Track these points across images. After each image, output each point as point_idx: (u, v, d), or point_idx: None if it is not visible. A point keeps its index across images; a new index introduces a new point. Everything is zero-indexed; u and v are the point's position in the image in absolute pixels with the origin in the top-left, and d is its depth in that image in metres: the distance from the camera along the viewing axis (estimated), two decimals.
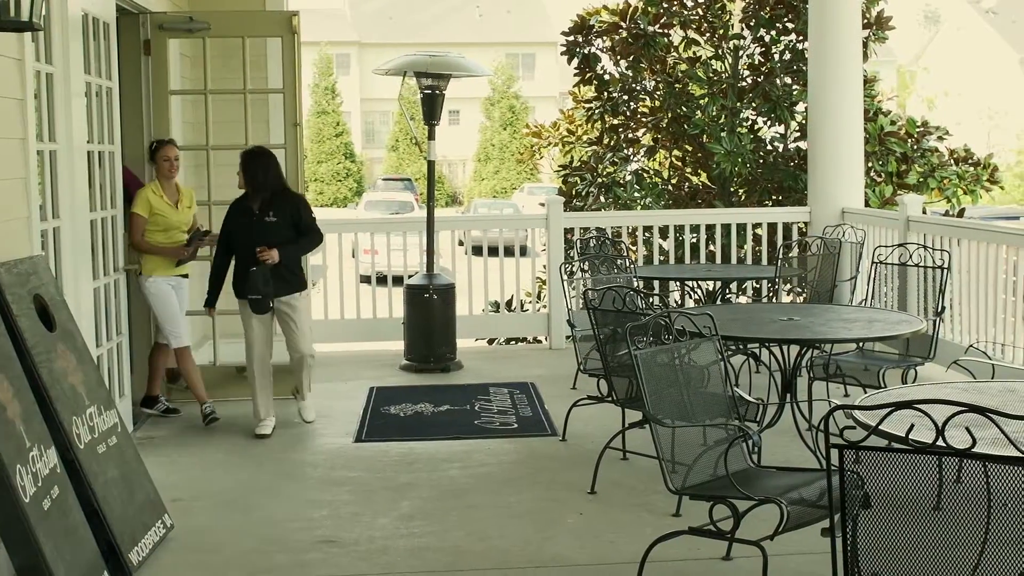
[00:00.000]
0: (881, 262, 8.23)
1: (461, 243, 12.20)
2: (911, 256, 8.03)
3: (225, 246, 7.71)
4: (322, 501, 6.29)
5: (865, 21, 12.16)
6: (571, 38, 13.52)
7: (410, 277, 9.91)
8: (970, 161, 12.98)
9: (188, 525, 5.90)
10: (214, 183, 8.57)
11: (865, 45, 12.16)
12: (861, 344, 7.47)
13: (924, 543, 3.38)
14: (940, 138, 12.94)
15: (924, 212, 9.90)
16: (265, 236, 7.54)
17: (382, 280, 10.61)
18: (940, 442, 3.16)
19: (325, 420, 8.03)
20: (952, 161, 12.93)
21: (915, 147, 12.70)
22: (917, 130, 12.87)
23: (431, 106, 9.75)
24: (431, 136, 9.92)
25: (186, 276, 8.09)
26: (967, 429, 3.15)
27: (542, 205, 11.07)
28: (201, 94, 8.69)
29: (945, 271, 7.66)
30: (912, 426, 3.21)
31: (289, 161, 8.43)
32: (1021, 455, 3.13)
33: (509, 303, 11.62)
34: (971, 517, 3.30)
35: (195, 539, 5.76)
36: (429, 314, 9.65)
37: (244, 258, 7.57)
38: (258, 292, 7.46)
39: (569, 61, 13.65)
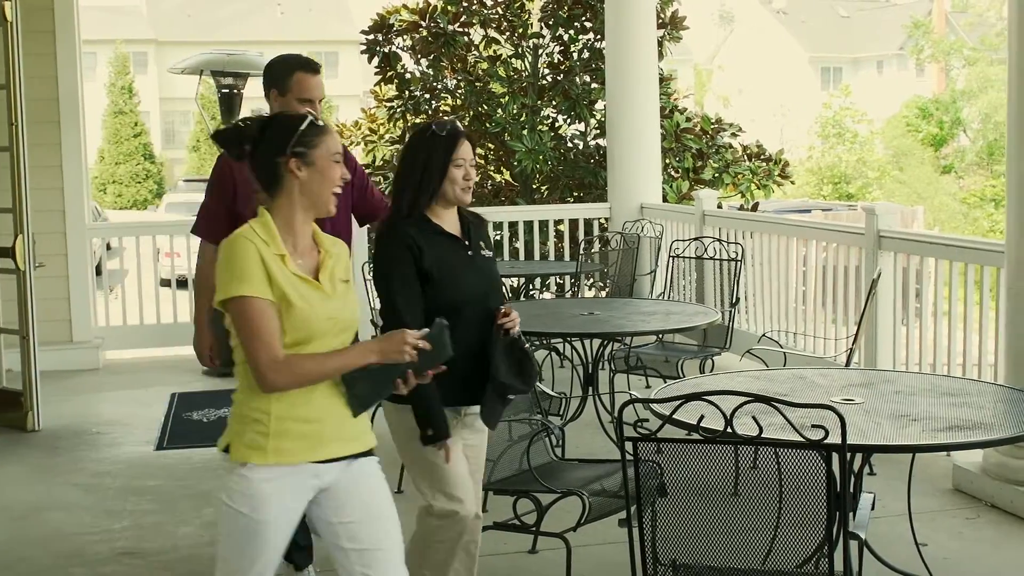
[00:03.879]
0: (678, 256, 8.43)
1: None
2: (707, 249, 8.25)
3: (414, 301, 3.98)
4: (122, 511, 6.13)
5: (660, 21, 12.43)
6: (371, 37, 13.46)
7: None
8: (762, 157, 13.38)
9: None
10: None
11: (660, 44, 12.43)
12: (660, 336, 7.65)
13: (720, 529, 3.47)
14: (734, 135, 13.32)
15: (719, 206, 10.17)
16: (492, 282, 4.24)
17: (184, 283, 10.39)
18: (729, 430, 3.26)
19: (124, 428, 7.82)
20: (745, 157, 13.31)
21: (710, 143, 13.04)
22: (711, 127, 13.22)
23: (229, 105, 9.61)
24: None
25: None
26: (753, 418, 3.25)
27: None
28: None
29: (739, 263, 7.90)
30: (703, 416, 3.30)
31: (12, 167, 7.65)
32: (803, 440, 3.25)
33: None
34: (765, 502, 3.40)
35: None
36: None
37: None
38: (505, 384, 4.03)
39: (370, 60, 13.59)
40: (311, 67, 4.66)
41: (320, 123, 3.32)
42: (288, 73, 4.65)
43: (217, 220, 4.62)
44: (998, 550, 5.37)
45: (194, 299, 4.72)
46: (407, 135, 13.50)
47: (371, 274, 8.13)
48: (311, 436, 3.26)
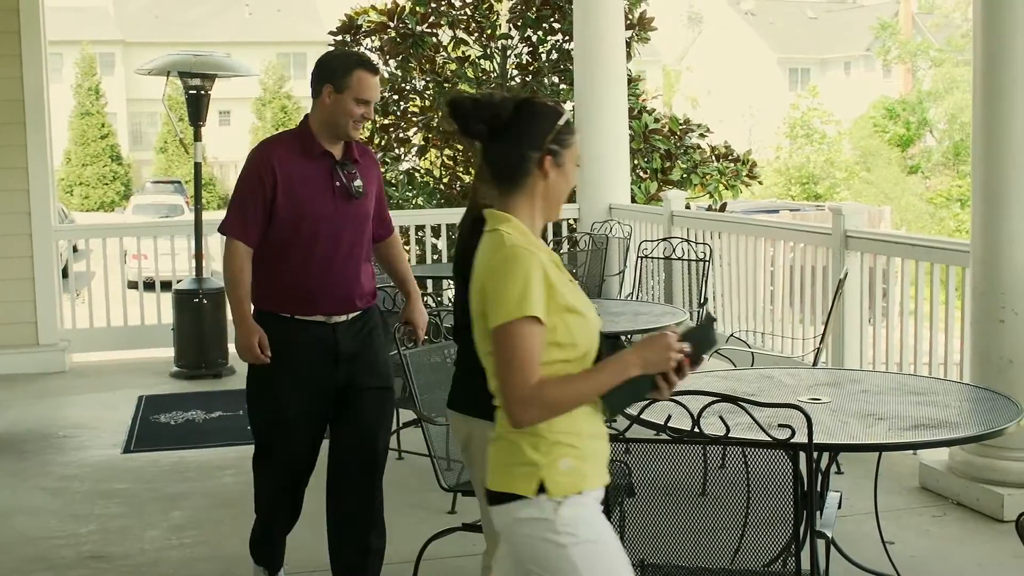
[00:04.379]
0: (646, 256, 8.45)
1: None
2: (675, 250, 8.27)
3: None
4: (89, 515, 6.08)
5: (628, 22, 12.44)
6: (339, 38, 13.45)
7: (179, 282, 9.69)
8: (730, 157, 13.43)
9: None
10: None
11: (629, 45, 12.45)
12: (629, 336, 7.65)
13: (689, 528, 3.48)
14: (702, 135, 13.36)
15: (687, 207, 10.20)
16: None
17: (151, 285, 10.34)
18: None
19: (91, 432, 7.77)
20: (714, 157, 13.36)
21: (678, 144, 13.08)
22: (680, 128, 13.26)
23: (196, 107, 9.54)
24: (197, 138, 9.71)
25: None
26: (721, 418, 3.26)
27: None
28: None
29: (707, 264, 7.92)
30: (670, 416, 3.30)
31: None
32: (770, 439, 3.26)
33: None
34: (733, 501, 3.41)
35: None
36: (200, 319, 9.44)
37: None
38: None
39: None
40: (373, 67, 4.48)
41: (570, 120, 2.92)
42: (348, 70, 4.41)
43: (254, 221, 4.38)
44: (964, 547, 5.40)
45: (231, 296, 4.41)
46: (374, 136, 13.51)
47: None
48: (602, 454, 2.91)
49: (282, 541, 4.82)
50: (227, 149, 51.19)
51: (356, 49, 13.32)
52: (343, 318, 4.49)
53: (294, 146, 4.46)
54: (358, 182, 4.46)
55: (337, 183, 4.42)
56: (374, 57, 13.49)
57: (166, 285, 10.16)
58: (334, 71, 4.43)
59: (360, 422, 4.56)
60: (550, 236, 10.78)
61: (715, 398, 3.28)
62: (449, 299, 10.93)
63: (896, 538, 5.21)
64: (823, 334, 6.69)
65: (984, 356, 5.74)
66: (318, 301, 4.44)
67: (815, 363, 6.55)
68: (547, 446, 2.79)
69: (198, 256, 9.69)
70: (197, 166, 9.86)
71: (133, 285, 10.53)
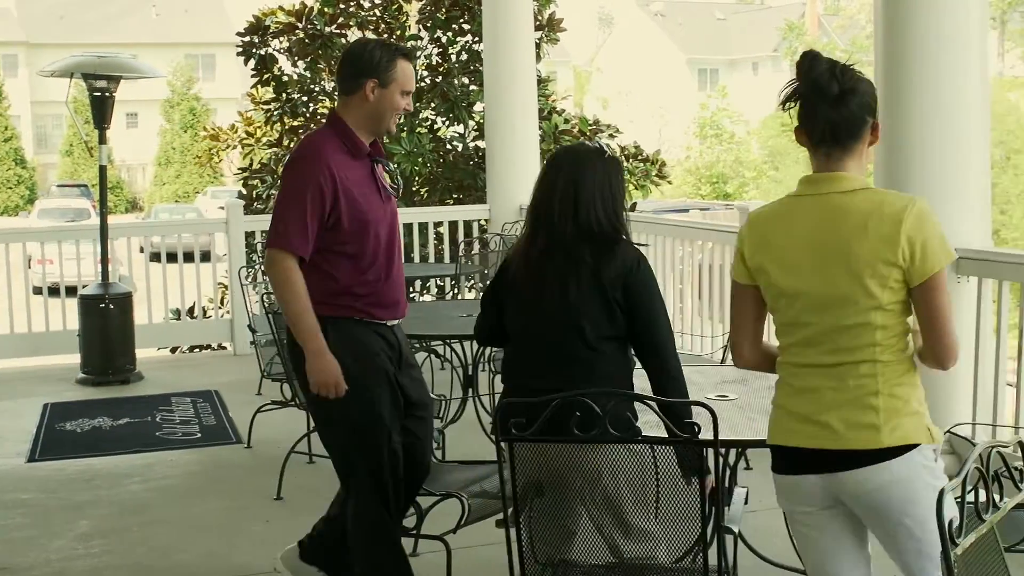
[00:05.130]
0: None
1: (143, 250, 11.82)
2: None
3: None
4: None
5: (537, 23, 12.48)
6: (247, 39, 13.32)
7: (85, 287, 9.54)
8: (640, 157, 13.52)
9: None
10: None
11: (538, 46, 12.50)
12: None
13: (599, 527, 3.49)
14: (611, 136, 13.44)
15: None
16: None
17: (56, 291, 10.16)
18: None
19: None
20: (623, 157, 13.44)
21: None
22: (589, 128, 13.32)
23: (101, 109, 9.38)
24: (102, 140, 9.56)
25: None
26: (629, 415, 3.28)
27: (222, 209, 10.85)
28: None
29: None
30: (578, 414, 3.31)
31: None
32: (677, 436, 3.28)
33: (191, 310, 11.36)
34: (642, 499, 3.43)
35: None
36: (106, 324, 9.30)
37: None
38: None
39: (246, 62, 13.44)
40: (412, 54, 4.23)
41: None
42: (392, 61, 4.16)
43: (312, 233, 4.07)
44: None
45: (302, 321, 4.07)
46: (283, 138, 13.41)
47: (249, 277, 8.04)
48: None
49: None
50: (135, 152, 50.55)
51: (266, 50, 13.23)
52: (397, 321, 4.37)
53: (341, 147, 4.18)
54: (387, 179, 4.32)
55: (379, 182, 4.26)
56: (283, 58, 13.41)
57: (71, 290, 9.99)
58: (377, 63, 4.15)
59: (418, 436, 4.46)
60: (460, 236, 10.78)
61: (623, 397, 3.30)
62: None
63: None
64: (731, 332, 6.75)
65: None
66: (388, 304, 4.29)
67: (723, 360, 6.61)
68: (922, 397, 3.01)
69: (104, 261, 9.54)
70: (102, 169, 9.71)
71: (38, 291, 10.32)
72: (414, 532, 4.55)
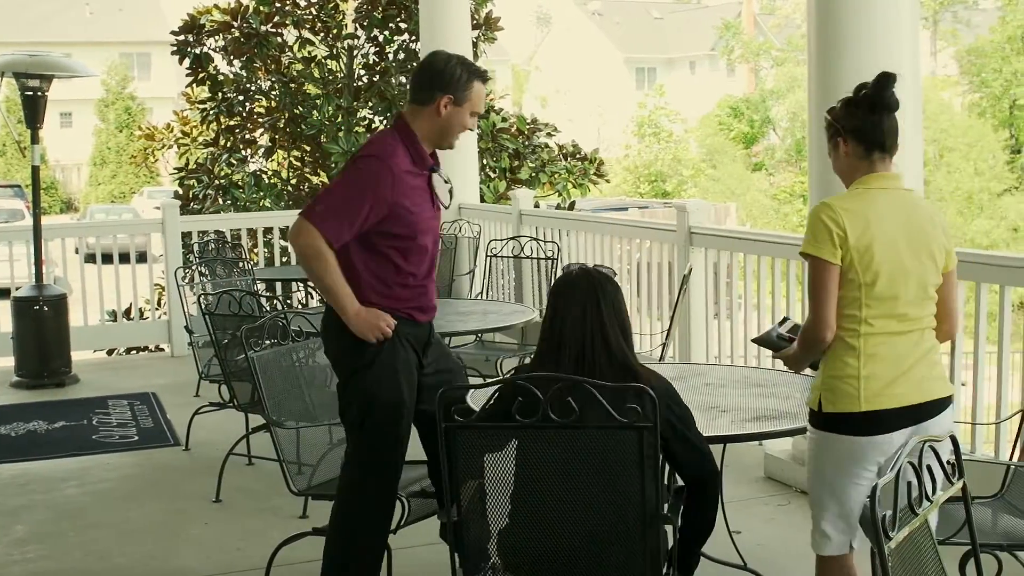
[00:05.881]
0: (496, 255, 8.48)
1: (78, 251, 11.69)
2: (523, 249, 8.32)
3: None
4: None
5: (475, 22, 12.49)
6: (182, 37, 13.21)
7: (18, 289, 9.42)
8: (578, 156, 13.57)
9: None
10: None
11: (475, 45, 12.50)
12: (479, 335, 7.69)
13: (541, 514, 3.47)
14: (549, 134, 13.48)
15: (537, 206, 10.26)
16: None
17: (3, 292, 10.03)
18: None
19: None
20: (561, 156, 13.48)
21: (526, 143, 13.16)
22: (527, 127, 13.35)
23: (33, 108, 9.26)
24: (35, 140, 9.44)
25: None
26: (569, 400, 3.26)
27: (158, 209, 10.76)
28: None
29: (555, 262, 7.98)
30: (520, 401, 3.30)
31: None
32: (619, 420, 3.28)
33: (128, 312, 11.25)
34: (584, 487, 3.40)
35: None
36: (40, 327, 9.19)
37: None
38: None
39: (180, 61, 13.34)
40: (486, 76, 4.36)
41: None
42: (469, 81, 4.26)
43: (350, 229, 4.14)
44: (807, 534, 5.51)
45: (333, 282, 4.12)
46: (219, 137, 13.31)
47: (187, 279, 7.98)
48: None
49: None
50: (69, 151, 49.90)
51: (202, 49, 13.13)
52: (431, 318, 4.47)
53: (407, 156, 4.25)
54: (442, 190, 4.41)
55: (433, 195, 4.35)
56: (218, 57, 13.32)
57: (4, 292, 9.87)
58: (454, 81, 4.24)
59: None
60: None
61: (565, 381, 3.29)
62: (300, 302, 10.84)
63: (743, 527, 5.32)
64: (669, 329, 6.80)
65: None
66: (427, 308, 4.40)
67: (662, 357, 6.66)
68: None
69: (38, 262, 9.42)
70: (35, 169, 9.59)
71: None
72: None
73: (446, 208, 4.50)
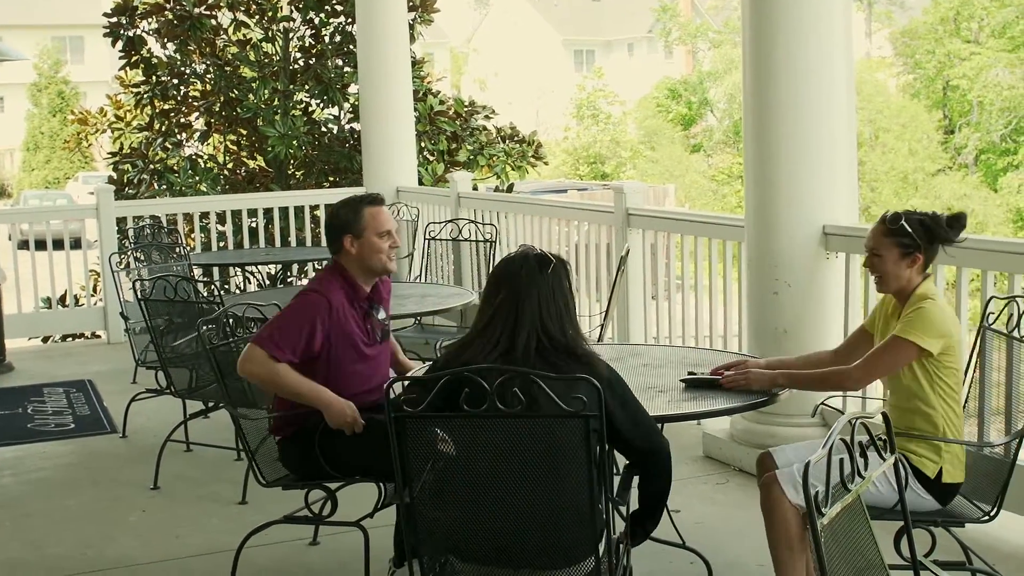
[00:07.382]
0: (434, 238, 8.47)
1: (11, 237, 11.52)
2: (461, 231, 8.31)
3: None
4: None
5: (411, 4, 12.44)
6: (114, 19, 13.04)
7: None
8: (516, 138, 13.57)
9: None
10: None
11: (412, 27, 12.45)
12: (419, 318, 7.67)
13: (491, 502, 3.46)
14: (487, 117, 13.46)
15: (475, 188, 10.26)
16: None
17: None
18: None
19: None
20: (499, 139, 13.47)
21: (464, 126, 13.14)
22: (465, 110, 13.33)
23: None
24: None
25: None
26: (516, 390, 3.26)
27: (93, 194, 10.62)
28: None
29: (493, 244, 7.98)
30: (467, 391, 3.29)
31: None
32: (564, 410, 3.28)
33: (63, 298, 11.12)
34: (531, 475, 3.41)
35: None
36: None
37: None
38: None
39: (113, 44, 13.16)
40: (379, 200, 4.74)
41: None
42: (358, 213, 4.65)
43: (291, 352, 4.44)
44: (745, 511, 5.57)
45: (298, 389, 4.44)
46: (154, 121, 13.17)
47: (121, 264, 7.90)
48: None
49: None
50: (1, 136, 49.20)
51: (135, 31, 12.97)
52: None
53: (345, 293, 4.62)
54: (383, 320, 4.77)
55: (369, 328, 4.66)
56: (152, 40, 13.17)
57: None
58: (346, 221, 4.64)
59: None
60: None
61: (511, 373, 3.30)
62: (238, 286, 10.78)
63: (682, 506, 5.36)
64: (607, 310, 6.82)
65: (760, 327, 5.95)
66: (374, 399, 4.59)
67: (600, 339, 6.67)
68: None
69: None
70: None
71: None
72: (327, 519, 4.49)
73: (379, 343, 4.74)
